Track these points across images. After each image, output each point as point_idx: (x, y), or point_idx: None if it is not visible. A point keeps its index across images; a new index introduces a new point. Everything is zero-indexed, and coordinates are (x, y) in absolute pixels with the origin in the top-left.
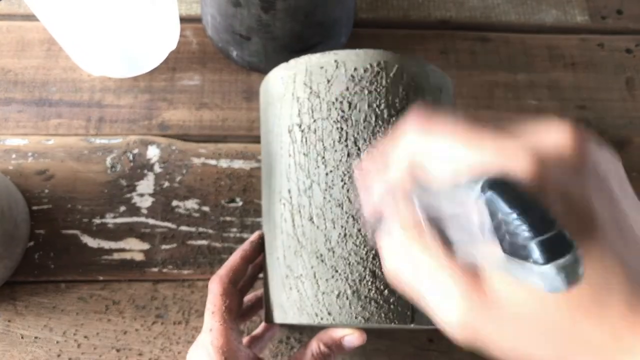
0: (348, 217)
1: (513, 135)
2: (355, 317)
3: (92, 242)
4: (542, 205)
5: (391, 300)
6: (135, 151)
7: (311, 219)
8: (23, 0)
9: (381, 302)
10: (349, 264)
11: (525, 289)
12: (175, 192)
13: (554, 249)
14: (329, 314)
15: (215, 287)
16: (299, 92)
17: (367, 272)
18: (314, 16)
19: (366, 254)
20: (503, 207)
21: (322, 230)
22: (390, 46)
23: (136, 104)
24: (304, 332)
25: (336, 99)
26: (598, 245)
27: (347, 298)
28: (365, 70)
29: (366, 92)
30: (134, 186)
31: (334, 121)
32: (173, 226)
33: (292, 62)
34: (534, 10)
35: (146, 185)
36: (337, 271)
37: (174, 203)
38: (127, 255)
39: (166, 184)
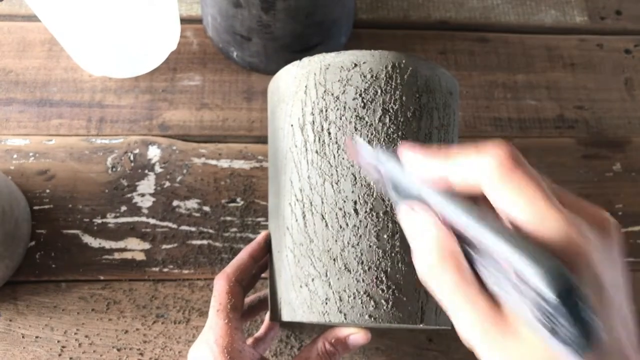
0: (361, 217)
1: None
2: (367, 317)
3: (93, 241)
4: (593, 319)
5: (402, 300)
6: (136, 151)
7: (323, 217)
8: (24, 0)
9: (392, 302)
10: (362, 263)
11: (543, 343)
12: (175, 192)
13: (587, 344)
14: (340, 312)
15: (221, 284)
16: (312, 91)
17: (380, 272)
18: (314, 17)
19: (379, 253)
20: (564, 320)
21: (334, 229)
22: (390, 47)
23: (137, 104)
24: (304, 331)
25: (351, 99)
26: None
27: (359, 297)
28: (381, 71)
29: (380, 92)
30: (135, 186)
31: (349, 121)
32: (174, 226)
33: (305, 60)
34: (533, 11)
35: (147, 185)
36: (349, 270)
37: (175, 203)
38: (128, 255)
39: (167, 184)
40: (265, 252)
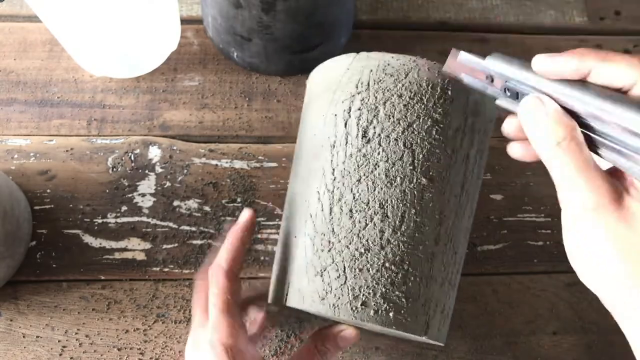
0: (390, 221)
1: None
2: (377, 319)
3: (93, 241)
4: None
5: (413, 310)
6: (137, 151)
7: (352, 213)
8: (25, 1)
9: (404, 310)
10: (384, 266)
11: None
12: (176, 192)
13: None
14: (351, 309)
15: (221, 281)
16: (365, 86)
17: (399, 278)
18: (314, 17)
19: (401, 260)
20: None
21: (361, 228)
22: (389, 47)
23: (137, 105)
24: (304, 331)
25: (404, 104)
26: None
27: (373, 299)
28: (437, 84)
29: (432, 104)
30: (136, 186)
31: (396, 123)
32: (174, 226)
33: (364, 54)
34: (532, 11)
35: (147, 185)
36: (369, 270)
37: (175, 203)
38: (129, 255)
39: (167, 184)
40: (252, 235)
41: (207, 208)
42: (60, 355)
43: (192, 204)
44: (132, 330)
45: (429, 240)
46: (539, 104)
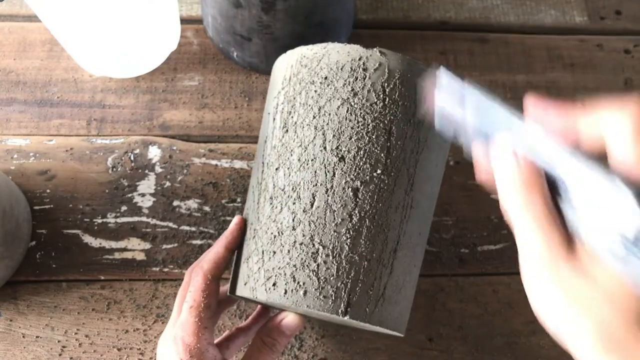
0: (301, 203)
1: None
2: (289, 299)
3: (93, 241)
4: None
5: (327, 288)
6: (137, 151)
7: (271, 201)
8: (25, 1)
9: (315, 288)
10: (294, 246)
11: (613, 276)
12: (176, 192)
13: None
14: (266, 290)
15: (198, 281)
16: (287, 81)
17: (310, 258)
18: (314, 17)
19: (311, 239)
20: None
21: (277, 213)
22: (390, 47)
23: (137, 105)
24: (304, 331)
25: (314, 89)
26: None
27: (284, 278)
28: (347, 64)
29: (341, 84)
30: (135, 186)
31: (309, 109)
32: (174, 226)
33: (289, 52)
34: (532, 11)
35: (147, 185)
36: (281, 252)
37: (175, 203)
38: (129, 255)
39: (167, 183)
40: (240, 241)
41: (207, 208)
42: (60, 355)
43: (192, 204)
44: (132, 330)
45: (343, 217)
46: (506, 146)
